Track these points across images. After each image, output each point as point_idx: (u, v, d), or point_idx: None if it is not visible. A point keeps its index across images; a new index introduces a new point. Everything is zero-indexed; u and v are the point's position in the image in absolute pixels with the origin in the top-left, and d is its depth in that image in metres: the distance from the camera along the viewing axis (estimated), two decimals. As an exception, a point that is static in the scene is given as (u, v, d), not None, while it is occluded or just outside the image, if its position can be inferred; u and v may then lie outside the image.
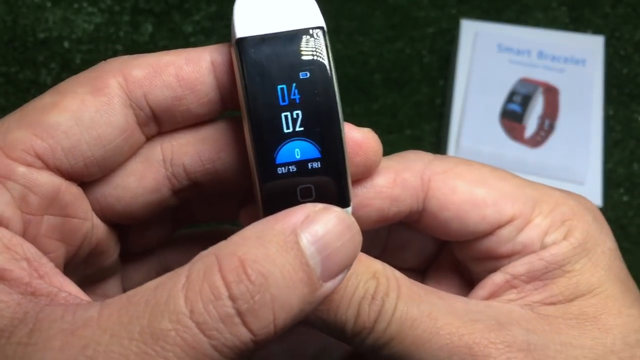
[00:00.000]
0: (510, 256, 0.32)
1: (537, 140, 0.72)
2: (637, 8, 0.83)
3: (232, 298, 0.23)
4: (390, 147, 0.74)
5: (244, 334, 0.23)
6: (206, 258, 0.24)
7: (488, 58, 0.76)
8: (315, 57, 0.27)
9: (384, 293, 0.29)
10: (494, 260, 0.32)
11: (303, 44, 0.27)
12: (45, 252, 0.28)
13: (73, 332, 0.23)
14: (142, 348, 0.22)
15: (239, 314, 0.23)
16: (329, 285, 0.25)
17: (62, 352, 0.22)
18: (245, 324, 0.23)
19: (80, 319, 0.23)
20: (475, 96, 0.74)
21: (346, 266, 0.26)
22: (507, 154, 0.71)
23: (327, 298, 0.28)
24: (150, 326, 0.22)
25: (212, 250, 0.24)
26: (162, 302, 0.23)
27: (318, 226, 0.25)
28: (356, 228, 0.26)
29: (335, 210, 0.26)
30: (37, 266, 0.26)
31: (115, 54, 0.77)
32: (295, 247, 0.24)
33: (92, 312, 0.23)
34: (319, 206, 0.26)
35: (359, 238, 0.27)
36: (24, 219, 0.28)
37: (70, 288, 0.27)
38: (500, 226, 0.31)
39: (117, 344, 0.22)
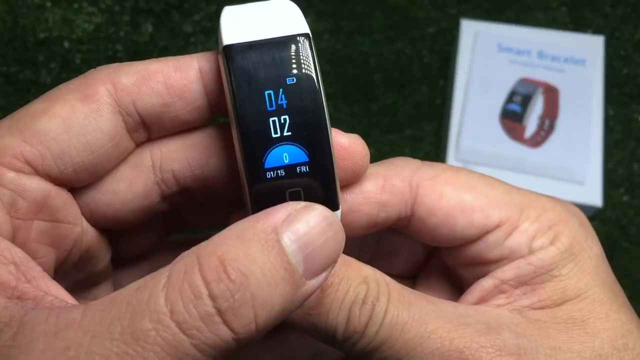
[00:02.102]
0: (498, 261, 0.32)
1: (537, 140, 0.72)
2: (637, 8, 0.83)
3: (212, 297, 0.23)
4: (390, 147, 0.75)
5: (225, 333, 0.23)
6: (187, 258, 0.24)
7: (488, 58, 0.75)
8: (301, 63, 0.27)
9: (374, 297, 0.29)
10: (483, 266, 0.32)
11: (289, 50, 0.27)
12: (35, 257, 0.28)
13: (56, 334, 0.23)
14: (123, 348, 0.22)
15: (219, 312, 0.23)
16: (313, 283, 0.25)
17: (44, 353, 0.23)
18: (225, 322, 0.23)
19: (64, 321, 0.23)
20: (475, 96, 0.74)
21: (330, 264, 0.26)
22: (507, 154, 0.71)
23: (318, 303, 0.29)
24: (131, 326, 0.23)
25: (193, 250, 0.24)
26: (143, 302, 0.23)
27: (300, 224, 0.25)
28: (339, 225, 0.27)
29: (317, 207, 0.26)
30: (24, 270, 0.26)
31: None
32: (277, 246, 0.24)
33: (75, 314, 0.24)
34: (301, 204, 0.26)
35: (341, 235, 0.27)
36: (13, 223, 0.28)
37: (57, 292, 0.27)
38: (488, 231, 0.32)
39: (99, 345, 0.22)
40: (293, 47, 0.27)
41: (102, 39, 0.78)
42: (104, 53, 0.77)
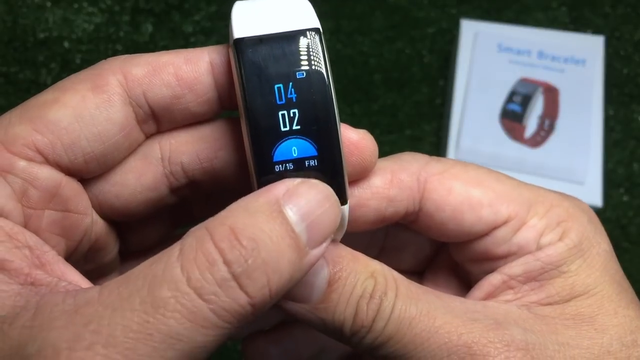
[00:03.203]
0: (506, 257, 0.32)
1: (537, 140, 0.72)
2: (637, 8, 0.83)
3: (226, 263, 0.23)
4: (390, 147, 0.75)
5: (241, 297, 0.24)
6: (197, 232, 0.25)
7: (488, 58, 0.76)
8: (311, 57, 0.27)
9: (382, 292, 0.29)
10: (491, 261, 0.32)
11: (299, 44, 0.27)
12: None
13: (76, 311, 0.23)
14: (144, 317, 0.23)
15: (235, 277, 0.23)
16: (315, 252, 0.26)
17: (66, 329, 0.23)
18: (241, 287, 0.24)
19: (82, 300, 0.24)
20: (475, 96, 0.74)
21: (329, 233, 0.27)
22: (507, 154, 0.71)
23: (325, 297, 0.29)
24: (150, 296, 0.23)
25: (202, 224, 0.25)
26: (160, 274, 0.23)
27: (299, 197, 0.26)
28: (334, 198, 0.27)
29: (313, 182, 0.27)
30: (39, 254, 0.27)
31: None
32: (281, 216, 0.25)
33: (92, 293, 0.24)
34: (298, 180, 0.27)
35: (338, 208, 0.27)
36: (24, 212, 0.28)
37: (72, 276, 0.27)
38: (496, 227, 0.31)
39: (120, 316, 0.23)
40: (303, 41, 0.27)
41: (102, 39, 0.78)
42: (104, 53, 0.77)
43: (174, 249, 0.24)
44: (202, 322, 0.23)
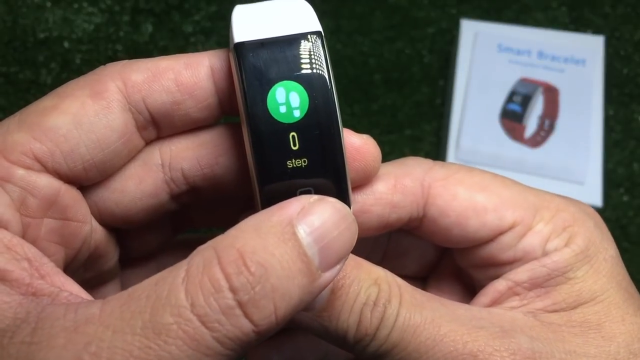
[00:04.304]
0: (511, 263, 0.31)
1: (537, 140, 0.72)
2: (637, 8, 0.83)
3: (232, 290, 0.23)
4: (390, 147, 0.75)
5: (246, 325, 0.23)
6: (205, 252, 0.24)
7: (488, 58, 0.76)
8: (313, 61, 0.27)
9: (386, 299, 0.29)
10: (496, 267, 0.32)
11: (301, 48, 0.27)
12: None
13: (76, 329, 0.23)
14: (145, 343, 0.22)
15: (240, 305, 0.23)
16: (328, 275, 0.25)
17: (66, 349, 0.22)
18: (246, 315, 0.23)
19: (83, 317, 0.23)
20: (475, 96, 0.74)
21: (344, 255, 0.26)
22: (507, 154, 0.71)
23: (329, 305, 0.28)
24: (152, 321, 0.23)
25: (210, 243, 0.24)
26: (163, 296, 0.23)
27: (314, 217, 0.25)
28: (352, 217, 0.26)
29: (330, 200, 0.26)
30: (38, 266, 0.26)
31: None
32: (293, 238, 0.24)
33: (94, 309, 0.23)
34: (314, 197, 0.26)
35: (354, 227, 0.27)
36: (23, 221, 0.28)
37: (71, 287, 0.27)
38: (501, 232, 0.31)
39: (120, 340, 0.22)
40: (305, 45, 0.27)
41: (102, 39, 0.78)
42: (104, 53, 0.77)
43: (180, 270, 0.24)
44: (204, 350, 0.23)
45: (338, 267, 0.26)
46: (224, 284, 0.23)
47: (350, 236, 0.26)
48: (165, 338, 0.22)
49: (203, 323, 0.23)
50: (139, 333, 0.22)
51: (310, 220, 0.25)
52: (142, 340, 0.22)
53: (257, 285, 0.23)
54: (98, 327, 0.23)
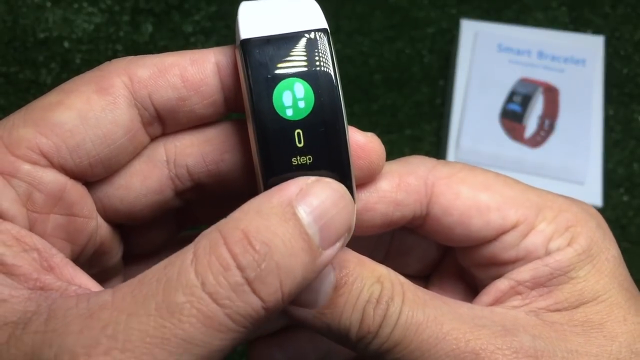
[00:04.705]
0: (514, 262, 0.31)
1: (537, 140, 0.72)
2: (637, 8, 0.83)
3: (240, 268, 0.23)
4: (390, 147, 0.75)
5: (255, 302, 0.24)
6: (210, 234, 0.25)
7: (488, 58, 0.76)
8: (319, 58, 0.27)
9: (388, 297, 0.29)
10: (498, 267, 0.32)
11: (307, 45, 0.27)
12: None
13: (90, 315, 0.23)
14: (160, 322, 0.23)
15: (248, 282, 0.24)
16: (329, 252, 0.26)
17: (83, 334, 0.23)
18: (254, 291, 0.24)
19: (96, 304, 0.23)
20: (475, 96, 0.74)
21: (343, 233, 0.27)
22: (507, 154, 0.71)
23: (331, 302, 0.29)
24: (165, 301, 0.23)
25: (214, 227, 0.25)
26: (174, 278, 0.23)
27: (312, 197, 0.26)
28: (349, 197, 0.27)
29: (327, 181, 0.27)
30: (47, 257, 0.26)
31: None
32: (294, 218, 0.25)
33: (105, 297, 0.24)
34: (311, 179, 0.26)
35: (352, 206, 0.27)
36: (29, 217, 0.28)
37: (81, 279, 0.27)
38: (504, 232, 0.31)
39: (136, 321, 0.23)
40: (311, 42, 0.27)
41: (102, 39, 0.78)
42: (104, 53, 0.77)
43: (188, 253, 0.24)
44: (218, 326, 0.23)
45: (338, 244, 0.26)
46: (231, 262, 0.24)
47: (348, 214, 0.27)
48: (180, 316, 0.23)
49: (215, 300, 0.23)
50: (153, 314, 0.23)
51: (309, 201, 0.26)
52: (157, 320, 0.23)
53: (263, 263, 0.24)
54: (112, 312, 0.23)
